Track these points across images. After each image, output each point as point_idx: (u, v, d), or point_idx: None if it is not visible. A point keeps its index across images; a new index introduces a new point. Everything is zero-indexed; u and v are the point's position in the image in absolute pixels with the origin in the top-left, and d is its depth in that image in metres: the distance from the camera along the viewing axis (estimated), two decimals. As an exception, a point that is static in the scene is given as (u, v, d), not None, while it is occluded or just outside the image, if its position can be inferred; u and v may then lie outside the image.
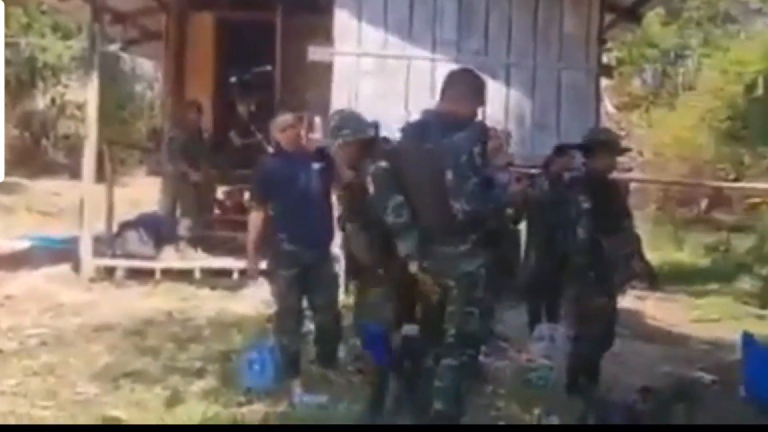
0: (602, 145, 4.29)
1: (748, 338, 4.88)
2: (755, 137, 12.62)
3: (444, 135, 3.08)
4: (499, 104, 7.20)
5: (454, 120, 3.13)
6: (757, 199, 13.38)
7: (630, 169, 13.00)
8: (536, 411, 4.13)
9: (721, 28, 19.05)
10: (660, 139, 16.50)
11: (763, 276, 9.46)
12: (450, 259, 3.17)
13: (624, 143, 18.67)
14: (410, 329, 3.55)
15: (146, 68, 19.18)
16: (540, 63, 7.51)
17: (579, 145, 4.46)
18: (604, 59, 9.31)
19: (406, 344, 4.28)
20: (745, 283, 9.29)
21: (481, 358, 5.13)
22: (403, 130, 3.39)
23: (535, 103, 7.48)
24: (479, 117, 3.43)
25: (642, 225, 13.81)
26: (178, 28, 9.72)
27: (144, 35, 10.83)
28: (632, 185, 16.24)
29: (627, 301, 8.17)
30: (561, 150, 5.49)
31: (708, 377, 5.24)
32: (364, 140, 3.59)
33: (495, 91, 6.86)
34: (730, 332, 6.19)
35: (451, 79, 3.32)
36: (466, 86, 3.28)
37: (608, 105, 19.54)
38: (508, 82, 7.40)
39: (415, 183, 3.19)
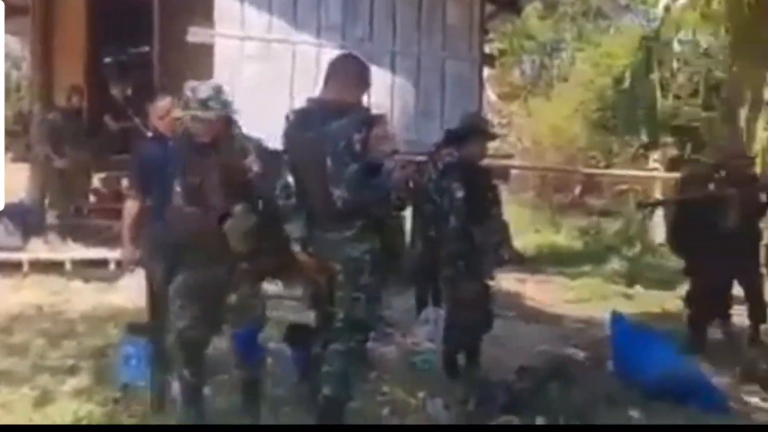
0: (474, 131, 4.38)
1: (615, 316, 5.19)
2: (623, 127, 13.41)
3: (325, 122, 3.05)
4: (384, 91, 7.23)
5: (336, 107, 3.11)
6: (624, 186, 14.27)
7: (510, 156, 13.48)
8: (420, 394, 4.22)
9: (593, 23, 20.04)
10: (538, 128, 17.23)
11: (629, 257, 10.11)
12: (335, 245, 3.17)
13: (505, 131, 19.39)
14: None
15: (12, 46, 17.84)
16: (424, 51, 7.62)
17: (452, 132, 4.54)
18: (486, 49, 9.57)
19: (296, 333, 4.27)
20: (614, 264, 9.88)
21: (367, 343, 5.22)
22: (287, 117, 3.33)
23: (420, 91, 7.58)
24: (364, 104, 3.42)
25: (522, 210, 14.46)
26: (46, 3, 9.09)
27: (8, 10, 10.03)
28: (513, 172, 16.92)
29: (508, 283, 8.55)
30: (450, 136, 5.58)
31: (581, 354, 5.54)
32: (229, 117, 3.39)
33: (380, 78, 6.87)
34: (601, 311, 6.57)
35: (335, 65, 3.29)
36: (349, 73, 3.26)
37: (490, 94, 20.16)
38: (393, 70, 7.45)
39: (300, 170, 3.18)
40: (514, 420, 3.83)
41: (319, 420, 3.21)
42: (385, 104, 7.10)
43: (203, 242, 3.23)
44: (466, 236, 4.21)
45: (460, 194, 4.17)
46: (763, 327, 6.11)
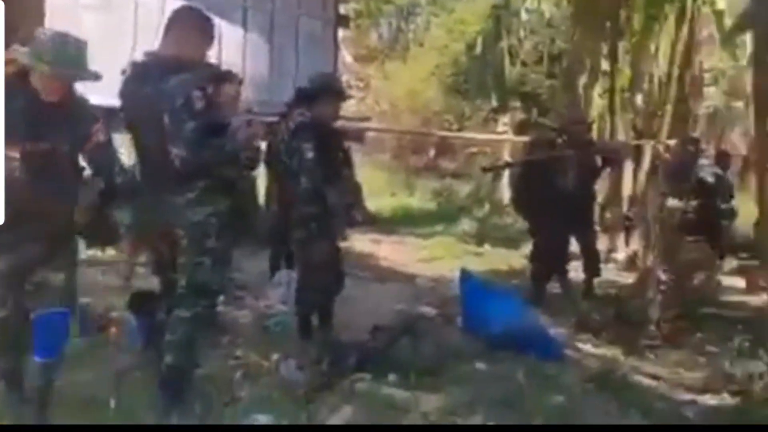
0: (325, 91, 4.31)
1: (464, 274, 5.39)
2: (474, 92, 13.88)
3: (162, 78, 2.86)
4: (236, 48, 6.98)
5: (175, 62, 2.92)
6: (474, 149, 14.84)
7: (367, 119, 13.56)
8: (274, 357, 4.18)
9: (448, -11, 20.46)
10: (394, 91, 17.47)
11: (479, 218, 10.55)
12: (177, 209, 3.01)
13: (362, 94, 19.41)
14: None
15: None
16: (279, 8, 7.41)
17: (303, 91, 4.45)
18: (342, 10, 9.48)
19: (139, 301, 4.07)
20: (465, 225, 10.27)
21: (218, 308, 5.09)
22: (122, 72, 3.09)
23: (274, 49, 7.38)
24: (210, 60, 3.25)
25: (378, 173, 14.66)
26: None
27: None
28: (370, 135, 17.06)
29: (363, 244, 8.66)
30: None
31: (432, 311, 5.72)
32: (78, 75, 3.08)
33: (231, 33, 6.62)
34: (452, 269, 6.80)
35: (174, 17, 3.08)
36: (189, 26, 3.06)
37: (347, 56, 20.11)
38: (245, 25, 7.19)
39: (137, 129, 2.98)
40: (366, 377, 3.88)
41: (161, 389, 3.08)
42: (237, 61, 6.85)
43: (44, 217, 2.92)
44: (317, 198, 4.16)
45: (310, 155, 4.10)
46: (596, 280, 6.63)
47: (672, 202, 6.15)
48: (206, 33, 3.10)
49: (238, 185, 4.60)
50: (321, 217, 4.19)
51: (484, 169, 10.24)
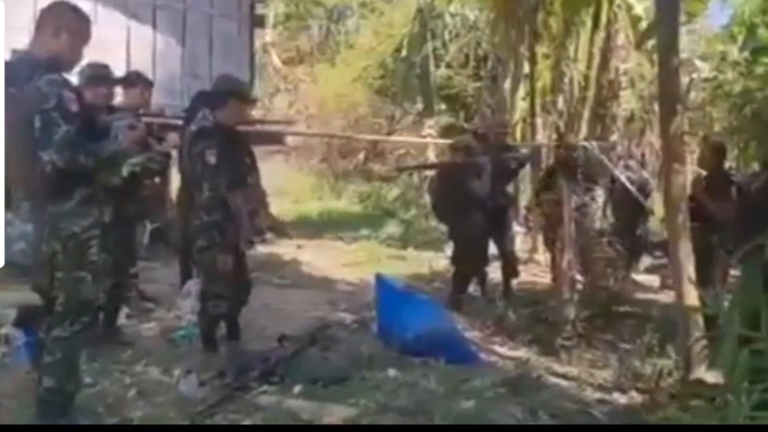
0: (230, 95, 4.15)
1: (380, 279, 5.31)
2: (401, 94, 13.88)
3: (33, 78, 2.66)
4: (144, 49, 6.72)
5: (48, 62, 2.73)
6: (402, 151, 14.84)
7: (290, 122, 13.38)
8: (176, 371, 4.00)
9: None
10: (323, 95, 17.32)
11: (405, 221, 10.52)
12: (54, 219, 2.81)
13: (291, 98, 19.16)
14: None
15: None
16: (190, 7, 7.17)
17: (206, 94, 4.28)
18: (271, 12, 9.31)
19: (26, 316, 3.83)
20: (391, 228, 10.22)
21: (123, 321, 4.87)
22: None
23: (186, 51, 7.14)
24: (87, 57, 3.05)
25: (305, 178, 14.50)
26: None
27: None
28: (299, 139, 16.88)
29: (285, 250, 8.50)
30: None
31: (350, 317, 5.62)
32: None
33: (139, 34, 6.36)
34: (373, 274, 6.72)
35: (45, 14, 2.87)
36: (62, 23, 2.86)
37: (275, 59, 19.87)
38: (154, 25, 6.93)
39: (6, 132, 2.76)
40: (271, 389, 3.75)
41: (39, 414, 2.87)
42: (146, 63, 6.59)
43: None
44: (220, 205, 4.00)
45: (212, 160, 3.93)
46: (515, 281, 6.66)
47: (584, 201, 6.23)
48: (80, 31, 2.90)
49: (142, 192, 4.43)
50: (223, 225, 4.03)
51: (399, 170, 10.22)
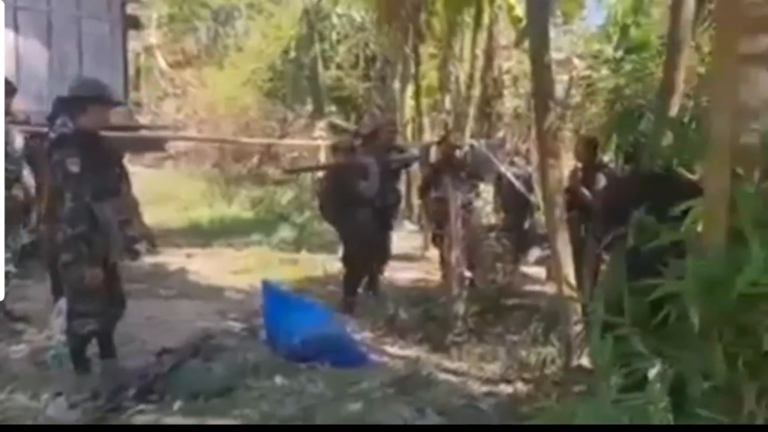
0: (90, 99, 3.91)
1: (266, 285, 5.19)
2: (290, 97, 13.73)
3: None
4: (7, 53, 6.27)
5: None
6: (295, 154, 14.67)
7: (165, 127, 12.90)
8: (44, 396, 3.73)
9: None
10: (212, 98, 16.89)
11: (299, 224, 10.37)
12: None
13: (180, 102, 18.58)
14: None
15: None
16: (55, 8, 6.75)
17: (64, 100, 4.02)
18: (153, 13, 8.93)
19: None
20: (284, 232, 10.05)
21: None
22: None
23: (54, 54, 6.73)
24: None
25: (196, 183, 14.07)
26: None
27: None
28: (189, 144, 16.39)
29: (174, 259, 8.18)
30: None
31: (238, 326, 5.46)
32: None
33: (-1, 37, 5.92)
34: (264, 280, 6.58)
35: None
36: None
37: (161, 62, 19.21)
38: (16, 28, 6.48)
39: None
40: (149, 407, 3.56)
41: None
42: (9, 68, 6.16)
43: None
44: (86, 216, 3.76)
45: (74, 169, 3.69)
46: (408, 279, 6.69)
47: (470, 198, 6.34)
48: None
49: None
50: (90, 237, 3.79)
51: (286, 172, 10.10)
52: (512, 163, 8.63)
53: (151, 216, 9.03)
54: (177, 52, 19.73)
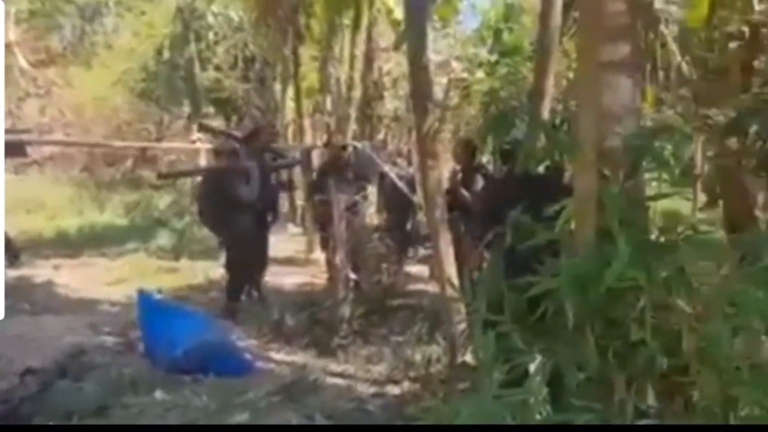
0: None
1: (142, 295, 4.96)
2: (165, 98, 13.23)
3: None
4: None
5: None
6: (173, 157, 14.16)
7: (27, 131, 12.07)
8: None
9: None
10: (80, 99, 15.99)
11: (178, 230, 10.01)
12: None
13: (44, 103, 17.49)
14: None
15: None
16: None
17: None
18: (12, 9, 8.27)
19: None
20: (162, 239, 9.67)
21: None
22: None
23: None
24: None
25: (63, 189, 13.27)
26: None
27: None
28: (54, 149, 15.43)
29: (39, 272, 7.67)
30: None
31: (112, 340, 5.19)
32: None
33: None
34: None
35: None
36: None
37: (21, 60, 17.95)
38: None
39: None
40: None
41: None
42: None
43: None
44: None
45: None
46: (292, 283, 6.61)
47: (354, 200, 6.35)
48: None
49: None
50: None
51: (161, 176, 9.74)
52: (394, 164, 8.75)
53: (13, 225, 8.42)
54: (40, 50, 18.50)
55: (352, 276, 5.95)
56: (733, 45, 6.43)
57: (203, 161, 11.61)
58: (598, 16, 2.32)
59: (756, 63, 6.39)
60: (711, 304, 2.13)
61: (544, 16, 4.32)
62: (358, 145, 8.11)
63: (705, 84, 6.69)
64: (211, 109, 13.79)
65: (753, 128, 5.38)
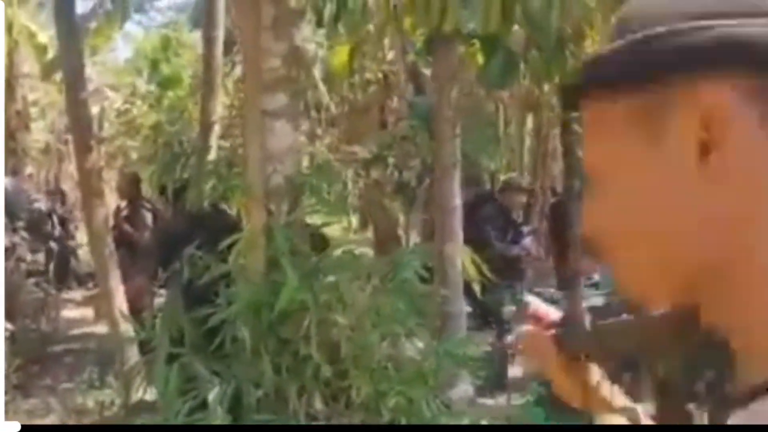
0: None
1: None
2: None
3: None
4: None
5: None
6: None
7: None
8: None
9: None
10: None
11: None
12: None
13: None
14: None
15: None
16: None
17: None
18: None
19: None
20: None
21: None
22: None
23: None
24: None
25: None
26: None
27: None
28: None
29: None
30: None
31: None
32: None
33: None
34: None
35: None
36: None
37: None
38: None
39: None
40: None
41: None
42: None
43: None
44: None
45: None
46: None
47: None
48: None
49: None
50: None
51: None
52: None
53: None
54: None
55: (7, 326, 5.42)
56: (371, 88, 7.44)
57: None
58: (258, 71, 2.62)
59: (390, 102, 7.48)
60: (362, 316, 2.55)
61: (207, 56, 4.54)
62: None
63: (350, 122, 7.60)
64: None
65: (391, 161, 6.31)
